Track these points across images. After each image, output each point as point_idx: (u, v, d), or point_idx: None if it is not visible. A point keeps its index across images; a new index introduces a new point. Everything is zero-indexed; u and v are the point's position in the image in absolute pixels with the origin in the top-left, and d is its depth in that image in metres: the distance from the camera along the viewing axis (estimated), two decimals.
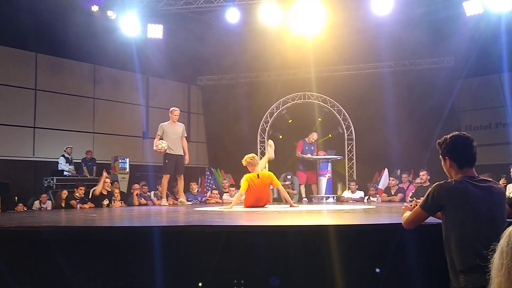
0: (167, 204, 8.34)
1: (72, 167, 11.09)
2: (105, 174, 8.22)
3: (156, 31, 10.72)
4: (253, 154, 6.76)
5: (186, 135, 8.48)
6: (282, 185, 7.48)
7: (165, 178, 8.26)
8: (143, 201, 8.79)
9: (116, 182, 9.92)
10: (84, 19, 10.08)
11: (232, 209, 6.26)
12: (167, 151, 8.10)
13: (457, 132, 2.79)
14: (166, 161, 8.17)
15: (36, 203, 9.19)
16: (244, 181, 6.46)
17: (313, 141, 10.58)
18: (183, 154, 8.33)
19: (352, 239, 3.06)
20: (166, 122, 8.31)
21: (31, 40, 10.62)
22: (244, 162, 6.66)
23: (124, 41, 10.71)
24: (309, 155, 10.26)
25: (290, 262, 3.01)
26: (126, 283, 3.20)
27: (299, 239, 3.09)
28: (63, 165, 10.95)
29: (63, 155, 11.08)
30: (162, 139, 8.10)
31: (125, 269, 3.21)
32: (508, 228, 1.45)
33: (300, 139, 10.63)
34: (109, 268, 3.23)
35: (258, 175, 6.50)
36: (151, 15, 10.63)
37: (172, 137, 8.18)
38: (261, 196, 6.57)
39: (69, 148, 11.17)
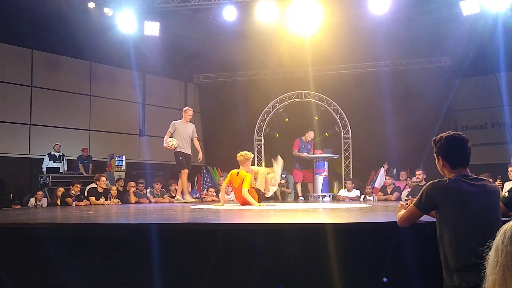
0: (193, 200, 8.32)
1: (60, 163, 10.89)
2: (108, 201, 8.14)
3: (152, 29, 10.69)
4: (245, 152, 6.83)
5: (196, 136, 8.52)
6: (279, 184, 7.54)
7: (184, 174, 8.22)
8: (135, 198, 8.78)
9: (121, 180, 9.81)
10: (81, 16, 10.05)
11: (224, 206, 6.37)
12: (177, 149, 8.10)
13: (453, 132, 2.76)
14: (180, 158, 8.17)
15: (32, 200, 9.13)
16: (227, 176, 6.89)
17: (310, 139, 10.58)
18: (191, 154, 8.38)
19: (349, 238, 3.06)
20: (179, 121, 8.33)
21: (27, 37, 10.57)
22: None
23: (120, 38, 10.68)
24: (305, 154, 10.26)
25: (289, 260, 3.01)
26: (122, 280, 3.19)
27: (296, 237, 3.08)
28: (46, 162, 10.73)
29: (49, 153, 10.88)
30: (172, 136, 8.11)
31: (121, 266, 3.21)
32: (503, 226, 1.45)
33: (297, 138, 10.62)
34: (105, 265, 3.22)
35: (238, 172, 6.66)
36: (148, 12, 10.61)
37: (183, 136, 8.21)
38: (239, 193, 6.63)
39: (57, 146, 10.97)
